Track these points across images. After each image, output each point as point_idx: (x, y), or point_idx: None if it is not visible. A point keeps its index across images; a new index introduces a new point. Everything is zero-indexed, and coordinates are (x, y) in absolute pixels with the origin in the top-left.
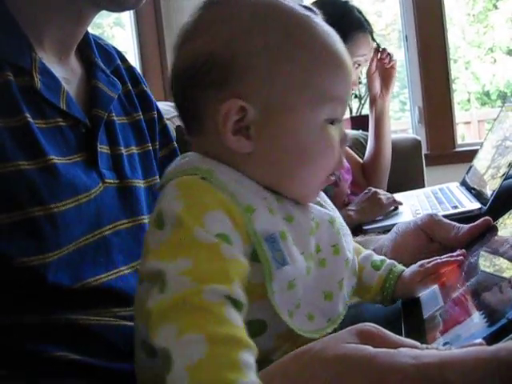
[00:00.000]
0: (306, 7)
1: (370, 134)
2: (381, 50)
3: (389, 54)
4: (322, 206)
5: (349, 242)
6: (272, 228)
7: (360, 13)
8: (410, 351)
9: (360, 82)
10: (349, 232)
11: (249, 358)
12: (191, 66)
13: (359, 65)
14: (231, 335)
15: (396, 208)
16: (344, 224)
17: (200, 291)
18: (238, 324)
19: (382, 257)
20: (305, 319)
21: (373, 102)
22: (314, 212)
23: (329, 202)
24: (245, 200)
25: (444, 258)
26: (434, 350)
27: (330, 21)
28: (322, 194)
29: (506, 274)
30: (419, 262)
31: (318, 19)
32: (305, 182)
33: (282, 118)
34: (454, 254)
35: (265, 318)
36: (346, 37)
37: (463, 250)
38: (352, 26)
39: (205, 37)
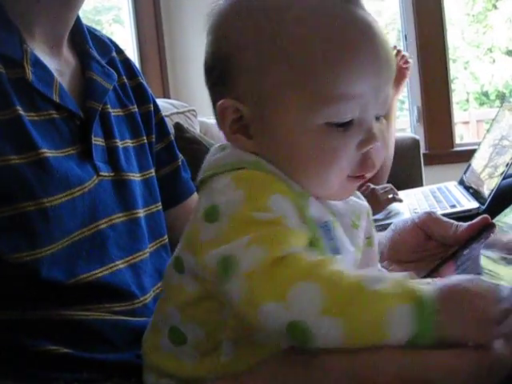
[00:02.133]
0: None
1: None
2: (396, 50)
3: (404, 55)
4: (355, 194)
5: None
6: (324, 216)
7: None
8: (393, 351)
9: None
10: None
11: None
12: (204, 67)
13: None
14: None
15: (394, 199)
16: None
17: (275, 257)
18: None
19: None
20: None
21: None
22: (352, 205)
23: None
24: (296, 187)
25: None
26: (417, 350)
27: None
28: None
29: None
30: None
31: (340, 8)
32: (317, 183)
33: (274, 119)
34: None
35: None
36: None
37: None
38: None
39: (209, 37)
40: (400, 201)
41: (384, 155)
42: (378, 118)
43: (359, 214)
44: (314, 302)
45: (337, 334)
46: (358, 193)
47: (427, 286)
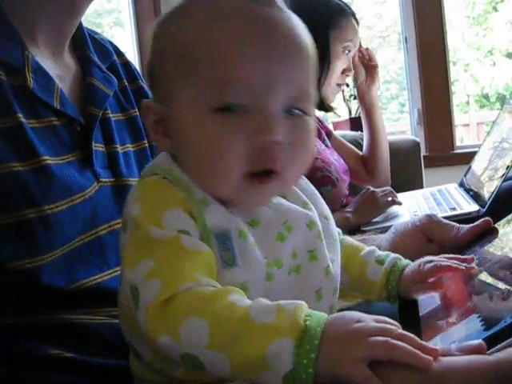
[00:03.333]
0: None
1: (364, 125)
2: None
3: (361, 50)
4: (306, 205)
5: (335, 252)
6: (227, 224)
7: None
8: None
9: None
10: (337, 243)
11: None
12: None
13: (349, 51)
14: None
15: (393, 202)
16: (333, 232)
17: (169, 295)
18: (216, 286)
19: (386, 252)
20: None
21: (360, 93)
22: (289, 214)
23: (321, 202)
24: (200, 193)
25: (450, 261)
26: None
27: (312, 11)
28: (315, 192)
29: (500, 285)
30: (422, 259)
31: (237, 5)
32: (214, 180)
33: (174, 112)
34: (462, 257)
35: None
36: (330, 25)
37: (472, 256)
38: (334, 12)
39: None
40: (399, 204)
41: (303, 156)
42: (292, 113)
43: (293, 225)
44: (201, 337)
45: (224, 365)
46: (317, 201)
47: (319, 317)
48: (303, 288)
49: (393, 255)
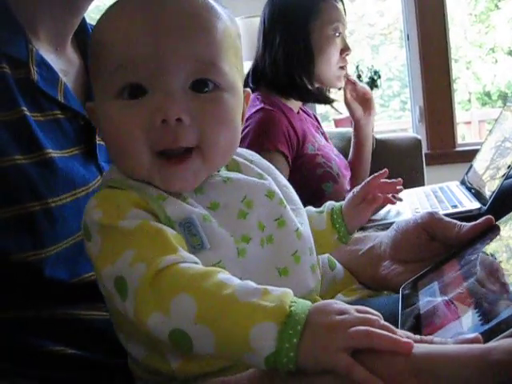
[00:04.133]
0: None
1: (353, 146)
2: (351, 80)
3: (354, 82)
4: (261, 176)
5: (301, 216)
6: (189, 212)
7: None
8: None
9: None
10: (301, 207)
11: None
12: None
13: (340, 32)
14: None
15: (395, 198)
16: (295, 198)
17: (156, 271)
18: (200, 266)
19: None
20: None
21: (357, 126)
22: (247, 189)
23: (277, 173)
24: (155, 192)
25: (371, 178)
26: (426, 344)
27: (290, 9)
28: (270, 166)
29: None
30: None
31: None
32: (129, 164)
33: (95, 106)
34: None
35: None
36: (310, 16)
37: (399, 179)
38: (312, 2)
39: None
40: (400, 200)
41: (219, 131)
42: (201, 89)
43: (252, 199)
44: (189, 311)
45: (210, 342)
46: (272, 172)
47: (303, 304)
48: (280, 255)
49: (327, 203)
